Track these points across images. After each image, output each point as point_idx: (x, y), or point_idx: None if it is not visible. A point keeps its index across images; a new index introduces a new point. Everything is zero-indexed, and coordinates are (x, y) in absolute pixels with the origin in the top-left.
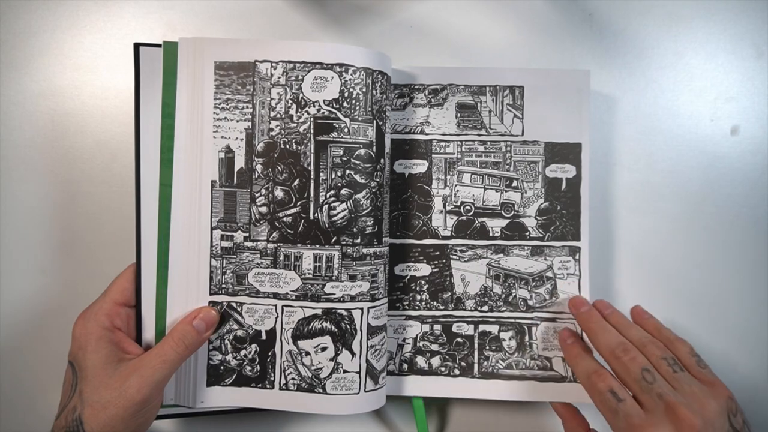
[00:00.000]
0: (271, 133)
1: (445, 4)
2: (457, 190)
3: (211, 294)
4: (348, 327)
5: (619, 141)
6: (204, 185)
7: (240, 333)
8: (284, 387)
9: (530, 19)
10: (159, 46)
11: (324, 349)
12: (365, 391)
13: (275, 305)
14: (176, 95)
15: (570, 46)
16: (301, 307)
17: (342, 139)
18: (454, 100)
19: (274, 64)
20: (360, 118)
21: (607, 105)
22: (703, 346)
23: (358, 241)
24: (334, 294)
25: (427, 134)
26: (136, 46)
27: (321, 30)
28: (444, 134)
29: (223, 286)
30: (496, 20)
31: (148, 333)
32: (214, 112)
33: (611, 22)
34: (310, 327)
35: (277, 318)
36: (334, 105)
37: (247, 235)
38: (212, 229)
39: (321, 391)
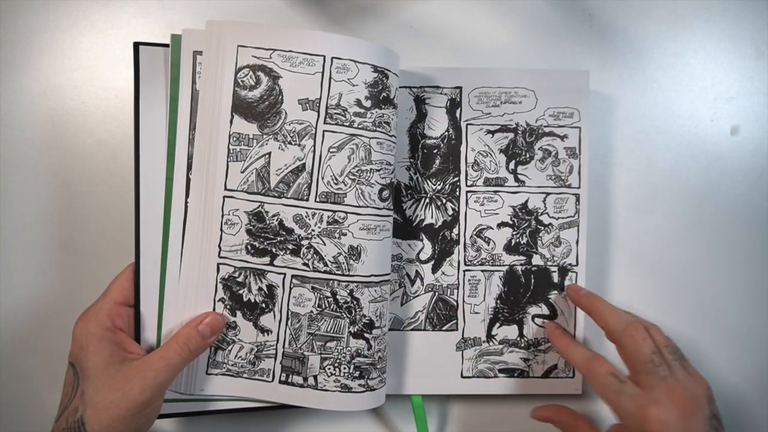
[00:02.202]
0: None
1: (445, 4)
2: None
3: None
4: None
5: (619, 141)
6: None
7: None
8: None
9: (530, 19)
10: (159, 45)
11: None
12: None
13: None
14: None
15: (570, 46)
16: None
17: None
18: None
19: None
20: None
21: (607, 105)
22: (702, 345)
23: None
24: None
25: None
26: (136, 46)
27: (321, 30)
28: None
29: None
30: (496, 20)
31: (149, 332)
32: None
33: (611, 22)
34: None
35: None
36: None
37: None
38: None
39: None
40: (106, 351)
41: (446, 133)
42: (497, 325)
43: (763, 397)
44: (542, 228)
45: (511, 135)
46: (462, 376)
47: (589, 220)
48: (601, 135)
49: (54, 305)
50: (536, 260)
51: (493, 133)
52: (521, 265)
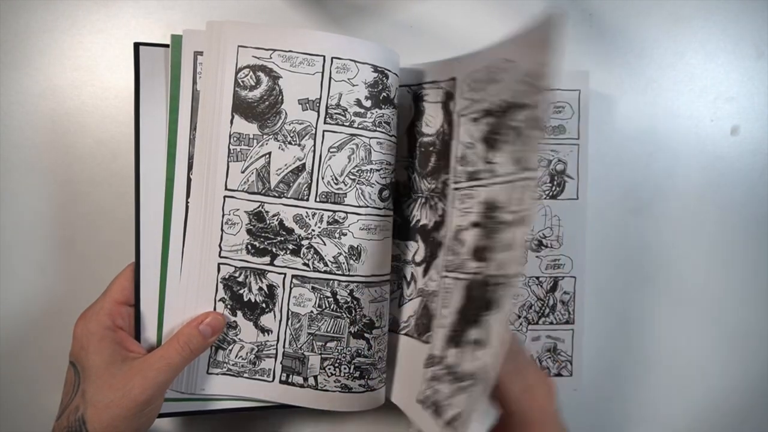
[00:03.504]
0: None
1: (444, 4)
2: None
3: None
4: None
5: (619, 141)
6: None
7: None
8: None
9: (530, 19)
10: (159, 45)
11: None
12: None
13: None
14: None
15: (570, 46)
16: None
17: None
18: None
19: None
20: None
21: (606, 105)
22: (701, 345)
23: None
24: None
25: None
26: (136, 46)
27: (321, 30)
28: None
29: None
30: (496, 20)
31: (150, 332)
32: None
33: (611, 22)
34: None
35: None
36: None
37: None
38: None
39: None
40: (106, 350)
41: (441, 129)
42: (453, 344)
43: (763, 398)
44: (502, 227)
45: (491, 119)
46: (416, 400)
47: (588, 222)
48: (601, 135)
49: (54, 305)
50: (492, 270)
51: (476, 120)
52: (476, 274)
